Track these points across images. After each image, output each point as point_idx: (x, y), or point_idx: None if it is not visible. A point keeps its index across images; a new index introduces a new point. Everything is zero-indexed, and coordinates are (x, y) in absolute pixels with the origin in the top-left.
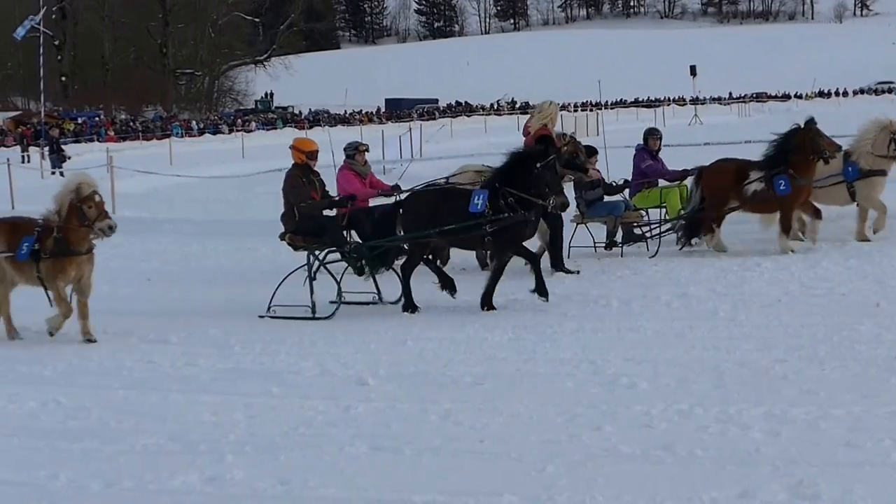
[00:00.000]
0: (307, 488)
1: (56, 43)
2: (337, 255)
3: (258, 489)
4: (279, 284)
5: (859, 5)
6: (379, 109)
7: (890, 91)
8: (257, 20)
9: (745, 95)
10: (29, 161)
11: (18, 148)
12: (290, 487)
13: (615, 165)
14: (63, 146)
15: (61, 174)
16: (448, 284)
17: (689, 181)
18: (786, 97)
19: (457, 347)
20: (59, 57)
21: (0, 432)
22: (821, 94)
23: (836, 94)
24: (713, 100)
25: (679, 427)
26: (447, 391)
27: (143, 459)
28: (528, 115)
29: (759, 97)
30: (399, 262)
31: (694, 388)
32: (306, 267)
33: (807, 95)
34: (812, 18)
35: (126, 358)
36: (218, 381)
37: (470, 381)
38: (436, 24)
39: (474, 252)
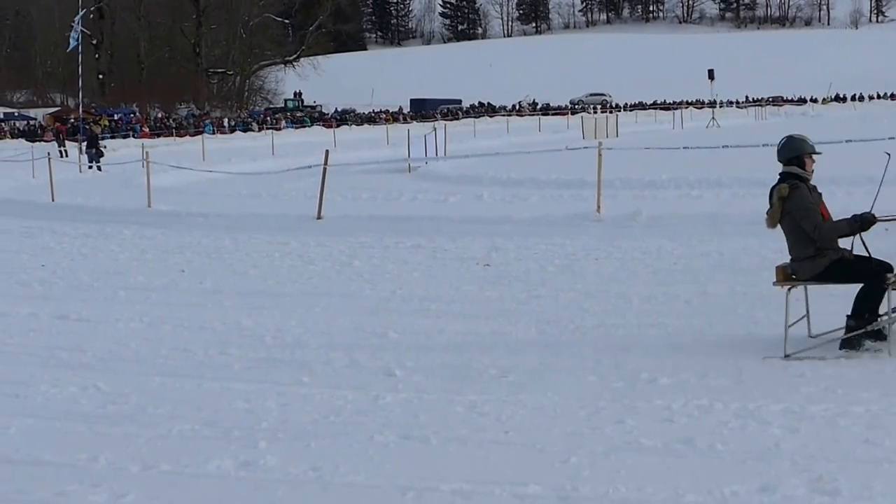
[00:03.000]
0: (338, 475)
1: (94, 42)
2: None
3: (291, 475)
4: None
5: (875, 12)
6: (403, 109)
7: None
8: (287, 21)
9: (762, 99)
10: (67, 156)
11: (55, 143)
12: (321, 474)
13: (632, 165)
14: (102, 141)
15: (98, 169)
16: None
17: None
18: (802, 101)
19: (482, 341)
20: (96, 55)
21: (43, 416)
22: (837, 98)
23: (853, 98)
24: (730, 103)
25: (699, 422)
26: (473, 383)
27: (179, 444)
28: None
29: (776, 101)
30: None
31: (713, 384)
32: None
33: (823, 100)
34: (828, 24)
35: (161, 346)
36: (250, 369)
37: (495, 374)
38: (460, 27)
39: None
